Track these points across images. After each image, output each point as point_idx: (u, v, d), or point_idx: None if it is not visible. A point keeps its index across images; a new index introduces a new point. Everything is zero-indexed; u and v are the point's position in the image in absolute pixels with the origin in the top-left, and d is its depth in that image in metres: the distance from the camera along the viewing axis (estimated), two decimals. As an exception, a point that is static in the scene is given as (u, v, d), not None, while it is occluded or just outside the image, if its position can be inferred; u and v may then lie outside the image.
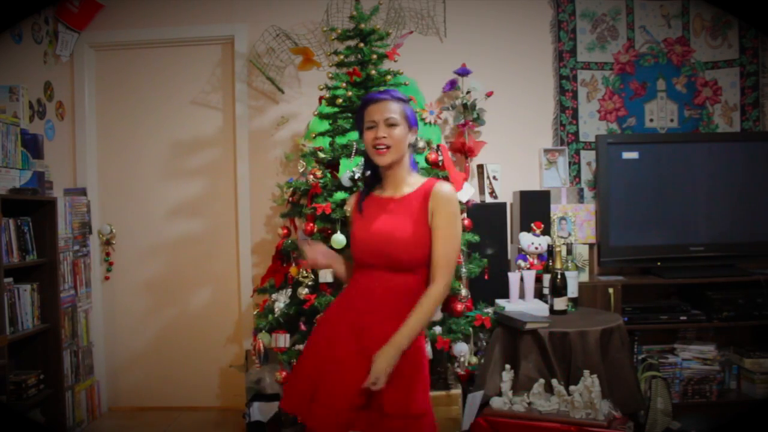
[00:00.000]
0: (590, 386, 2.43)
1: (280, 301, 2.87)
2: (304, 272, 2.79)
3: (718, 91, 3.56)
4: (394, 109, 1.88)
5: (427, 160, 2.81)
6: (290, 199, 3.03)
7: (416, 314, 1.77)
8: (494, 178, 3.42)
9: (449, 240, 1.82)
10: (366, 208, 1.95)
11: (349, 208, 2.10)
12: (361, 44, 2.83)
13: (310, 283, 2.77)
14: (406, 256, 1.80)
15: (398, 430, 1.75)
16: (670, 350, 3.32)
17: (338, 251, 2.70)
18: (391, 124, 1.87)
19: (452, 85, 3.48)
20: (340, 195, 2.71)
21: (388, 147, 1.86)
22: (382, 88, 2.57)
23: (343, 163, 2.81)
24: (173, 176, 3.77)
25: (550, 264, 3.03)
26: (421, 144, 2.83)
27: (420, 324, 1.78)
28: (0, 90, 3.03)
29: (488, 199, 3.39)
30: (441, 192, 1.83)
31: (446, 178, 2.91)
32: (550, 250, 3.11)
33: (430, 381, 1.90)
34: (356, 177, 2.66)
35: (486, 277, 2.93)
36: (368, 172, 2.01)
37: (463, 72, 3.44)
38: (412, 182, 1.93)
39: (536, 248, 3.16)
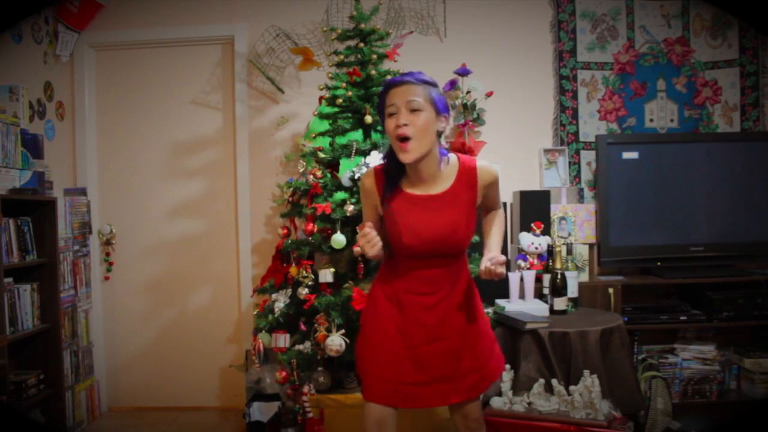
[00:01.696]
0: (590, 386, 2.43)
1: (280, 301, 2.87)
2: (304, 272, 2.79)
3: (718, 91, 3.56)
4: (417, 92, 1.68)
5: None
6: (290, 199, 3.03)
7: (499, 227, 1.96)
8: (494, 178, 3.41)
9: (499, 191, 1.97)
10: (399, 205, 1.77)
11: (369, 196, 1.83)
12: (361, 44, 2.83)
13: (310, 283, 2.77)
14: (464, 246, 1.85)
15: (489, 376, 1.92)
16: (670, 350, 3.32)
17: (338, 251, 2.72)
18: (414, 110, 1.67)
19: (452, 85, 3.48)
20: (340, 195, 2.71)
21: (408, 139, 1.66)
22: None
23: (343, 163, 2.81)
24: (173, 176, 3.77)
25: (550, 264, 3.03)
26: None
27: (503, 235, 2.00)
28: (0, 90, 3.03)
29: (488, 199, 3.39)
30: (489, 175, 1.85)
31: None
32: (550, 250, 3.11)
33: None
34: (356, 177, 2.66)
35: (486, 276, 2.93)
36: (385, 160, 1.80)
37: (463, 72, 3.44)
38: (447, 173, 1.79)
39: (536, 248, 3.16)
